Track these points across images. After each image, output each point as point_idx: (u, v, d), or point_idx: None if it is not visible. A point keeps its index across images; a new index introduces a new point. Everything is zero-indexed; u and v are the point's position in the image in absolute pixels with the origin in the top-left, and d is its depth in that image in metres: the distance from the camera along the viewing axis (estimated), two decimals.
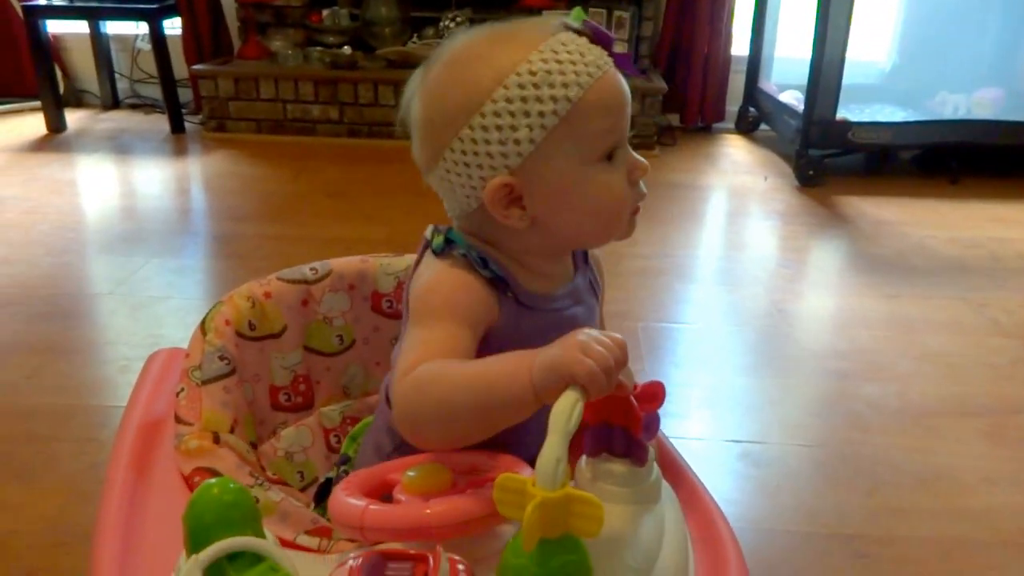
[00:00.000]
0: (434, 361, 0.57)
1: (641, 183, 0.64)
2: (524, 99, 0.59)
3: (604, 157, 0.61)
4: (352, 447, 0.79)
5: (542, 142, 0.59)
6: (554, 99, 0.58)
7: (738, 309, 1.80)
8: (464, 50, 0.62)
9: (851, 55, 2.50)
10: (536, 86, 0.59)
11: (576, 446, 0.59)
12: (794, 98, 2.87)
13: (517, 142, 0.59)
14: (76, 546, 1.03)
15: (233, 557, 0.48)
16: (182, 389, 0.73)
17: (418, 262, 0.67)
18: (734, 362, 1.58)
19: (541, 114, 0.59)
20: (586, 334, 0.50)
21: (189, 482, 0.67)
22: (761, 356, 1.60)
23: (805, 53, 2.57)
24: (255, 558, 0.48)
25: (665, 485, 0.59)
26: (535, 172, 0.60)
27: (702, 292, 1.89)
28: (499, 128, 0.59)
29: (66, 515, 1.10)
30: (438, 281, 0.63)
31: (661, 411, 0.58)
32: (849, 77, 2.53)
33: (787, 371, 1.53)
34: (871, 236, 2.21)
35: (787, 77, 3.03)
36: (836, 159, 2.68)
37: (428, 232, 0.66)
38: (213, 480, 0.52)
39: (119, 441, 0.72)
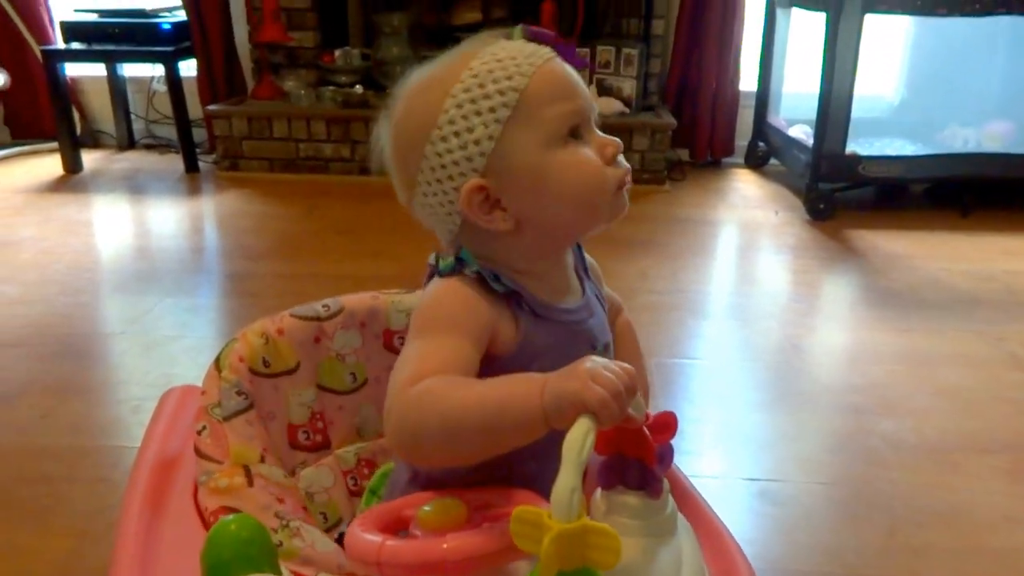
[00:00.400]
0: (440, 376, 0.57)
1: (620, 159, 0.65)
2: (472, 100, 0.61)
3: (567, 138, 0.62)
4: (373, 500, 0.78)
5: (501, 136, 0.61)
6: (501, 92, 0.61)
7: (751, 344, 1.79)
8: (415, 82, 0.65)
9: (859, 89, 2.52)
10: (481, 85, 0.61)
11: (589, 477, 0.60)
12: (803, 132, 2.88)
13: (476, 142, 0.61)
14: None
15: None
16: (204, 427, 0.73)
17: (426, 287, 0.67)
18: (748, 398, 1.57)
19: (492, 109, 0.61)
20: (594, 361, 0.51)
21: (207, 520, 0.67)
22: (775, 392, 1.58)
23: (813, 88, 2.59)
24: None
25: (681, 518, 0.59)
26: (503, 168, 0.62)
27: (715, 327, 1.88)
28: (456, 134, 0.61)
29: (76, 558, 1.10)
30: (443, 295, 0.63)
31: (676, 447, 0.58)
32: (858, 111, 2.55)
33: (802, 407, 1.51)
34: (883, 270, 2.20)
35: (796, 112, 3.05)
36: (846, 192, 2.68)
37: (432, 258, 0.67)
38: (231, 516, 0.52)
39: (134, 479, 0.73)
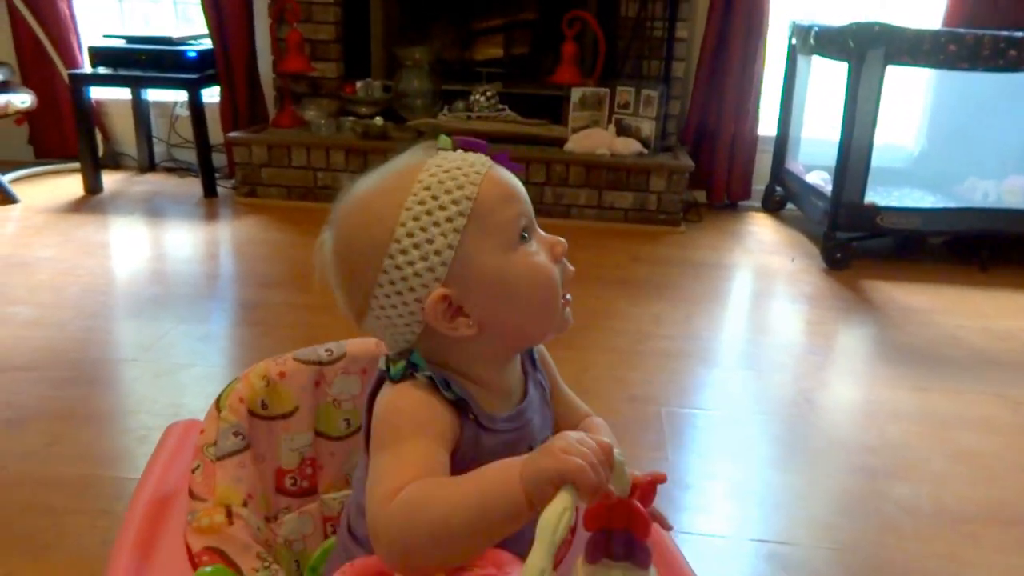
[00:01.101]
0: (417, 483, 0.56)
1: (565, 261, 0.67)
2: (429, 212, 0.62)
3: (520, 241, 0.64)
4: (321, 560, 0.78)
5: (459, 245, 0.62)
6: (455, 202, 0.62)
7: (764, 396, 1.77)
8: (357, 198, 0.66)
9: (879, 139, 2.51)
10: (435, 197, 0.62)
11: (564, 549, 0.62)
12: (821, 179, 2.88)
13: (437, 252, 0.62)
14: None
15: None
16: (198, 466, 0.73)
17: (373, 392, 0.67)
18: (760, 453, 1.54)
19: (449, 219, 0.62)
20: (564, 437, 0.51)
21: (196, 560, 0.67)
22: (788, 448, 1.56)
23: (832, 134, 2.59)
24: None
25: None
26: (464, 276, 0.62)
27: (727, 377, 1.86)
28: (416, 247, 0.62)
29: None
30: (400, 401, 0.63)
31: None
32: (877, 160, 2.54)
33: (815, 465, 1.49)
34: (900, 324, 2.18)
35: (814, 158, 3.05)
36: (864, 242, 2.66)
37: (382, 363, 0.66)
38: (209, 568, 0.53)
39: (130, 515, 0.73)
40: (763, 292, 2.51)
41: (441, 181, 0.62)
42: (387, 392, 0.64)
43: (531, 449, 0.65)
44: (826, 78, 2.97)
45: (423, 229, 0.62)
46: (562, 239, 0.67)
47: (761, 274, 2.62)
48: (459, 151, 0.66)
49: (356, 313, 0.67)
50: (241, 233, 2.78)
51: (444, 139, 0.66)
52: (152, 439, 1.44)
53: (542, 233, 0.67)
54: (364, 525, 0.67)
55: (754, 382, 1.83)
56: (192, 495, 0.71)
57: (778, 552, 1.23)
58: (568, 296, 0.67)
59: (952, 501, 1.38)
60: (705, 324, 2.15)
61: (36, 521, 1.23)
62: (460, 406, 0.63)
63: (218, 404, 0.77)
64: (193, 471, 0.73)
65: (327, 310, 0.70)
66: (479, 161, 0.65)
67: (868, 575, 1.19)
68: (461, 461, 0.62)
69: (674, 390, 1.76)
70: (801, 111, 3.15)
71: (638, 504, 0.55)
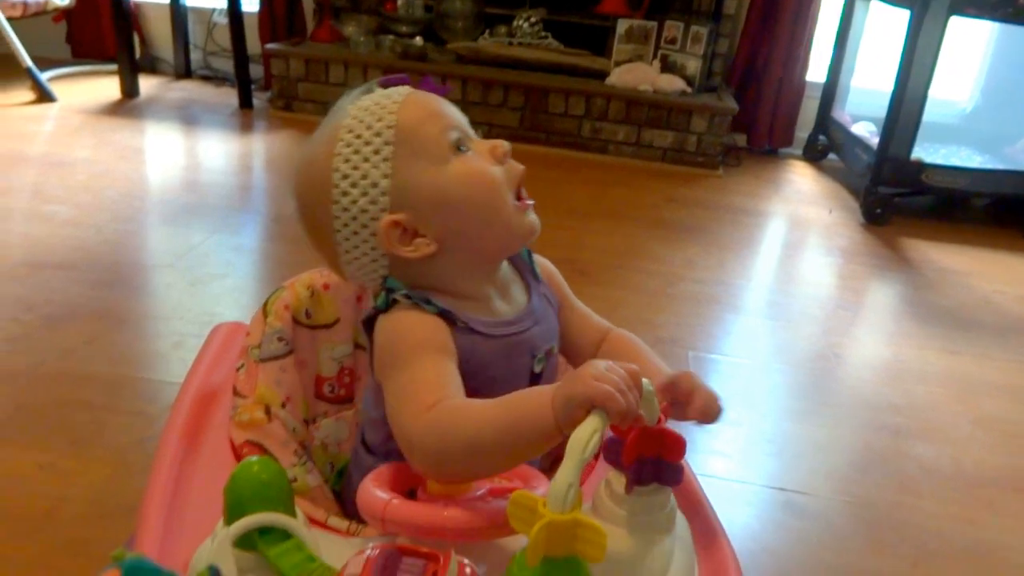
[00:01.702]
0: (449, 401, 0.59)
1: (513, 162, 0.69)
2: (356, 151, 0.65)
3: (454, 152, 0.66)
4: (339, 484, 0.82)
5: (394, 172, 0.65)
6: (378, 134, 0.65)
7: (791, 348, 1.76)
8: (299, 161, 0.70)
9: (933, 92, 2.43)
10: (358, 136, 0.65)
11: (587, 470, 0.64)
12: (867, 131, 2.80)
13: (375, 184, 0.65)
14: (120, 519, 1.05)
15: (264, 531, 0.52)
16: (242, 365, 0.77)
17: (366, 319, 0.69)
18: (783, 404, 1.55)
19: (376, 151, 0.65)
20: (594, 364, 0.53)
21: (238, 453, 0.71)
22: (811, 400, 1.56)
23: (884, 85, 2.50)
24: (284, 535, 0.52)
25: (680, 518, 0.60)
26: (408, 199, 0.65)
27: (755, 325, 1.86)
28: (354, 186, 0.65)
29: (113, 485, 1.12)
30: (395, 328, 0.65)
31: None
32: (928, 115, 2.46)
33: (838, 420, 1.49)
34: (936, 284, 2.15)
35: (862, 108, 2.97)
36: (905, 199, 2.61)
37: (369, 309, 0.69)
38: (255, 458, 0.56)
39: (176, 408, 0.76)
40: (797, 242, 2.48)
41: (361, 120, 0.66)
42: (381, 322, 0.67)
43: (533, 358, 0.69)
44: (884, 25, 2.86)
45: (355, 168, 0.65)
46: (503, 141, 0.68)
47: (797, 224, 2.58)
48: (379, 90, 0.69)
49: (334, 265, 0.71)
50: (275, 147, 2.77)
51: (372, 83, 0.71)
52: (186, 345, 1.48)
53: (482, 141, 0.69)
54: (375, 435, 0.72)
55: (782, 332, 1.83)
56: (235, 392, 0.76)
57: (795, 501, 1.25)
58: (527, 199, 0.69)
59: (972, 465, 1.38)
60: (737, 271, 2.13)
61: (75, 416, 1.27)
62: (446, 317, 0.65)
63: (265, 309, 0.80)
64: (237, 369, 0.77)
65: None
66: (396, 92, 0.68)
67: (883, 531, 1.21)
68: (463, 370, 0.64)
69: (702, 335, 1.76)
70: (854, 58, 3.04)
71: (670, 429, 0.56)
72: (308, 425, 0.82)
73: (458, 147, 0.66)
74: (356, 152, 0.65)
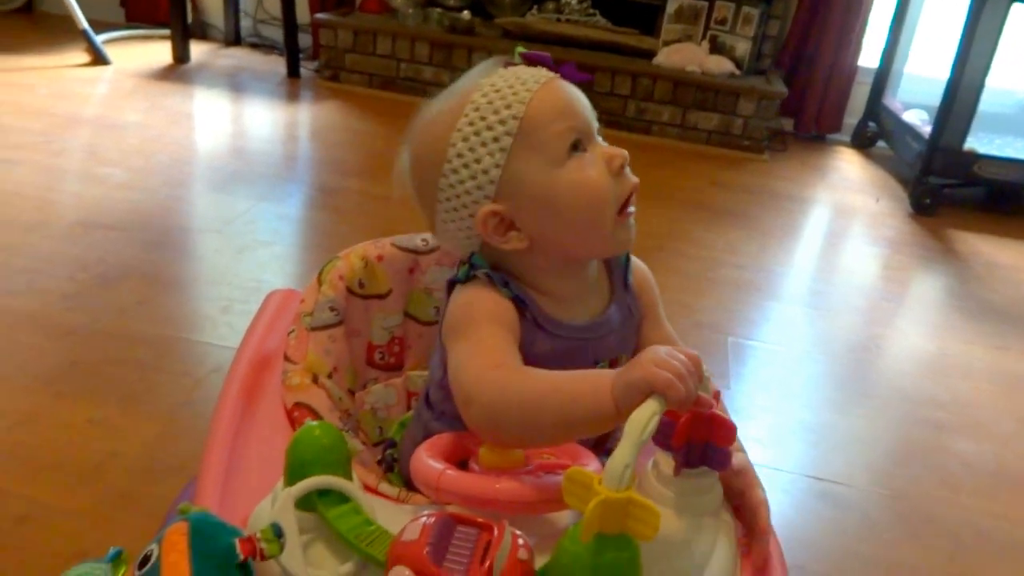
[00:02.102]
0: (513, 368, 0.61)
1: (628, 172, 0.67)
2: (477, 132, 0.65)
3: (570, 154, 0.65)
4: (400, 433, 0.84)
5: (507, 163, 0.64)
6: (502, 122, 0.64)
7: (832, 337, 1.75)
8: (423, 118, 0.70)
9: (989, 81, 2.37)
10: (483, 118, 0.65)
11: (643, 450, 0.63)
12: (919, 119, 2.74)
13: (485, 172, 0.65)
14: (167, 476, 1.08)
15: (323, 494, 0.53)
16: (293, 331, 0.79)
17: (450, 283, 0.71)
18: (823, 393, 1.54)
19: (495, 139, 0.64)
20: (655, 351, 0.53)
21: (290, 415, 0.73)
22: (851, 391, 1.55)
23: (939, 73, 2.44)
24: (342, 498, 0.53)
25: (724, 503, 0.61)
26: (513, 192, 0.65)
27: (796, 313, 1.84)
28: (465, 166, 0.65)
29: (163, 442, 1.16)
30: (470, 298, 0.67)
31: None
32: (983, 104, 2.40)
33: (878, 412, 1.48)
34: (984, 278, 2.11)
35: (915, 96, 2.90)
36: (956, 190, 2.55)
37: (451, 275, 0.71)
38: (316, 423, 0.57)
39: (233, 370, 0.78)
40: (842, 231, 2.44)
41: (491, 102, 0.65)
42: (457, 292, 0.68)
43: (595, 365, 0.70)
44: (942, 11, 2.78)
45: (471, 150, 0.65)
46: (622, 151, 0.66)
47: (842, 212, 2.54)
48: (519, 67, 0.68)
49: (429, 224, 0.72)
50: (321, 117, 2.79)
51: (518, 48, 0.69)
52: (233, 310, 1.51)
53: (604, 145, 0.67)
54: (439, 397, 0.73)
55: (824, 322, 1.81)
56: (286, 357, 0.77)
57: (831, 491, 1.25)
58: (631, 209, 0.68)
59: (1016, 463, 1.36)
60: (779, 257, 2.11)
61: (126, 374, 1.31)
62: (518, 304, 0.66)
63: (319, 278, 0.82)
64: (289, 334, 0.79)
65: (404, 203, 0.73)
66: (533, 77, 0.66)
67: (920, 524, 1.20)
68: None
69: (741, 321, 1.75)
70: (908, 44, 2.97)
71: (720, 414, 0.56)
72: (354, 395, 0.84)
73: (575, 148, 0.65)
74: (477, 134, 0.65)
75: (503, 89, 0.65)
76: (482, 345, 0.63)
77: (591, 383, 0.56)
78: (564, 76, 0.68)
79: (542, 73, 0.67)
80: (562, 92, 0.66)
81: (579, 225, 0.66)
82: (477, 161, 0.65)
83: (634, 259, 0.76)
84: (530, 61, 0.69)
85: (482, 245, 0.69)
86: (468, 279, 0.68)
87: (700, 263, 1.98)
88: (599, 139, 0.67)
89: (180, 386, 1.30)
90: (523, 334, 0.66)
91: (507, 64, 0.69)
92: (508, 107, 0.64)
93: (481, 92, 0.66)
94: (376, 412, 0.87)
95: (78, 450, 1.13)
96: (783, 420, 1.41)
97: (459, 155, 0.65)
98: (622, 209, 0.66)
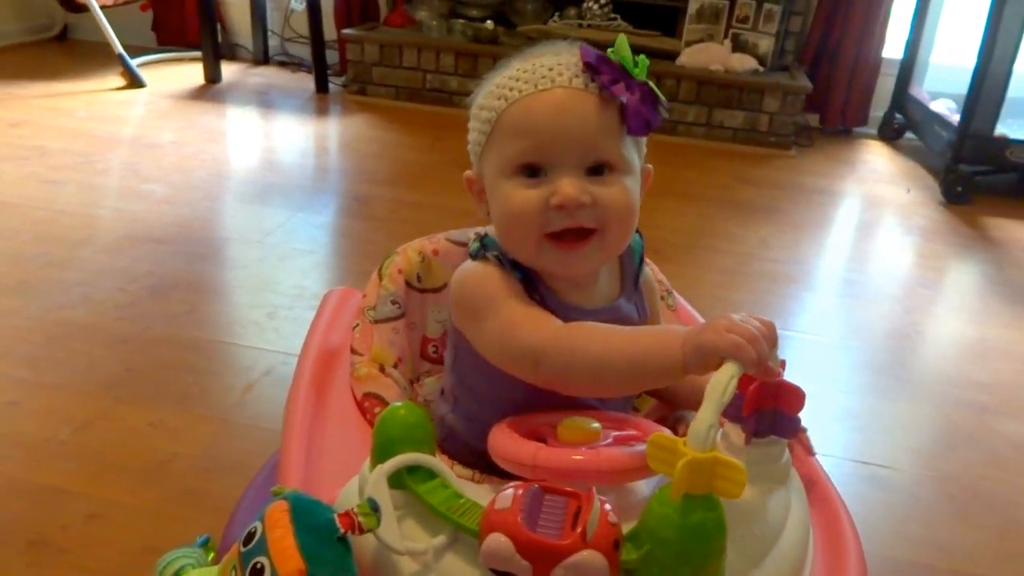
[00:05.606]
0: (579, 324, 0.61)
1: (580, 214, 0.63)
2: (480, 107, 0.68)
3: (517, 173, 0.65)
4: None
5: (484, 145, 0.68)
6: (490, 110, 0.66)
7: (871, 326, 1.74)
8: (490, 73, 0.71)
9: (1018, 66, 2.35)
10: (487, 97, 0.67)
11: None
12: (946, 108, 2.72)
13: (476, 140, 0.69)
14: (224, 474, 1.12)
15: (411, 470, 0.54)
16: (357, 324, 0.82)
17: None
18: (865, 380, 1.54)
19: (481, 122, 0.67)
20: (728, 316, 0.54)
21: (361, 405, 0.75)
22: (893, 378, 1.55)
23: (965, 61, 2.43)
24: (430, 474, 0.55)
25: (793, 472, 0.62)
26: (481, 171, 0.69)
27: (833, 304, 1.84)
28: (471, 129, 0.70)
29: (219, 442, 1.19)
30: (482, 278, 0.67)
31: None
32: (1012, 89, 2.39)
33: (921, 397, 1.48)
34: (1021, 263, 2.09)
35: (941, 85, 2.89)
36: (987, 177, 2.53)
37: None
38: (400, 403, 0.59)
39: (301, 366, 0.80)
40: (874, 222, 2.44)
41: (500, 85, 0.66)
42: (466, 266, 0.69)
43: None
44: None
45: (475, 118, 0.69)
46: (571, 191, 0.62)
47: (873, 204, 2.54)
48: (559, 59, 0.64)
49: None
50: (351, 130, 2.84)
51: (621, 40, 0.65)
52: (279, 315, 1.55)
53: (563, 179, 0.62)
54: (450, 383, 0.75)
55: (862, 311, 1.81)
56: (352, 350, 0.80)
57: (878, 474, 1.25)
58: (565, 236, 0.64)
59: None
60: (813, 250, 2.11)
61: (180, 377, 1.34)
62: (526, 285, 0.67)
63: (380, 273, 0.84)
64: (354, 328, 0.81)
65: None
66: (544, 79, 0.63)
67: (969, 503, 1.20)
68: None
69: (779, 313, 1.76)
70: (933, 33, 2.96)
71: (788, 382, 0.58)
72: (413, 384, 0.86)
73: (529, 172, 0.64)
74: (480, 108, 0.68)
75: (512, 79, 0.65)
76: (521, 311, 0.63)
77: (660, 340, 0.57)
78: (605, 86, 0.62)
79: (562, 77, 0.63)
80: (547, 109, 0.63)
81: (503, 235, 0.67)
82: (472, 130, 0.69)
83: (647, 265, 0.77)
84: (585, 63, 0.64)
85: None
86: (476, 256, 0.69)
87: (734, 258, 1.99)
88: (578, 172, 0.63)
89: (233, 388, 1.33)
90: None
91: (581, 48, 0.65)
92: (499, 99, 0.65)
93: (507, 74, 0.66)
94: (428, 404, 0.88)
95: (141, 451, 1.16)
96: (826, 406, 1.42)
97: (474, 116, 0.69)
98: (561, 236, 0.64)
